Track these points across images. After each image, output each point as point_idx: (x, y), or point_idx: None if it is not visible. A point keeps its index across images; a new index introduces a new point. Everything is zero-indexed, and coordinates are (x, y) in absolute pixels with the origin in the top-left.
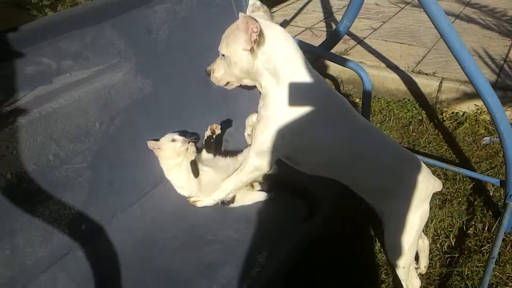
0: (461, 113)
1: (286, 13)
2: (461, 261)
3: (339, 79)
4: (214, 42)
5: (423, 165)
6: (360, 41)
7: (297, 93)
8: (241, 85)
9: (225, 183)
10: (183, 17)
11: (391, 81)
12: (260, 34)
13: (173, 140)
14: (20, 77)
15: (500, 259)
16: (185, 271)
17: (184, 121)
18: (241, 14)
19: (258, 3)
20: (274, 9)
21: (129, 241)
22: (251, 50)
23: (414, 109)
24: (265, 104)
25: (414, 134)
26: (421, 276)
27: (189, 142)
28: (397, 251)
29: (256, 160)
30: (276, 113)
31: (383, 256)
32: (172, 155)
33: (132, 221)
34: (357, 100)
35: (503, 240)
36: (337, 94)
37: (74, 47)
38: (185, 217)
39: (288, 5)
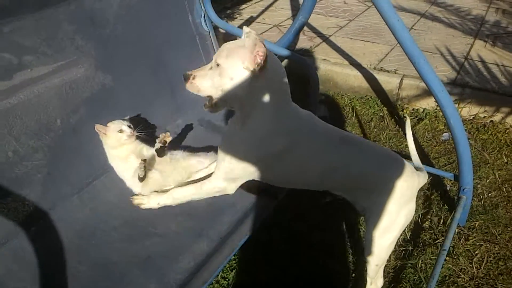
0: (421, 110)
1: (254, 10)
2: (415, 254)
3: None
4: (168, 36)
5: (407, 164)
6: (325, 39)
7: (282, 120)
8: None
9: (178, 192)
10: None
11: (354, 78)
12: (266, 60)
13: (121, 131)
14: None
15: (454, 252)
16: (122, 263)
17: (144, 114)
18: (252, 33)
19: (253, 32)
20: (243, 6)
21: (68, 232)
22: (253, 72)
23: (376, 105)
24: (243, 126)
25: (376, 130)
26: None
27: (136, 135)
28: (376, 249)
29: (223, 183)
30: (254, 137)
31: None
32: (115, 144)
33: (70, 212)
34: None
35: (458, 233)
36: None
37: (30, 41)
38: (126, 208)
39: (256, 2)
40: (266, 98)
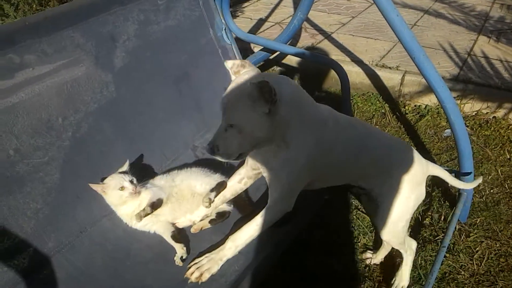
0: (423, 106)
1: (256, 8)
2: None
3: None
4: (190, 52)
5: (416, 152)
6: (327, 36)
7: (315, 127)
8: None
9: (238, 239)
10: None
11: (355, 75)
12: (275, 93)
13: (122, 188)
14: None
15: (454, 248)
16: (158, 286)
17: (157, 122)
18: (251, 83)
19: (238, 61)
20: (245, 4)
21: (100, 254)
22: (270, 112)
23: (377, 102)
24: (284, 152)
25: (377, 127)
26: (375, 266)
27: (138, 190)
28: (392, 231)
29: (283, 203)
30: (299, 153)
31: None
32: (117, 202)
33: (102, 233)
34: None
35: (458, 230)
36: (332, 111)
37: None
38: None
39: (258, 0)
40: (293, 121)
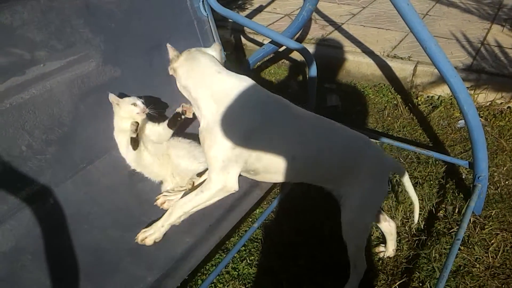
0: (436, 97)
1: (265, 0)
2: (429, 244)
3: None
4: (166, 22)
5: (377, 146)
6: (338, 27)
7: (232, 103)
8: None
9: (178, 206)
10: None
11: (367, 66)
12: (173, 60)
13: (134, 104)
14: None
15: (469, 241)
16: (113, 250)
17: (129, 93)
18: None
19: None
20: None
21: (61, 215)
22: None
23: (389, 93)
24: (202, 119)
25: (389, 118)
26: (388, 259)
27: (148, 112)
28: (353, 231)
29: (221, 176)
30: (210, 123)
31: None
32: (125, 116)
33: (64, 195)
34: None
35: (473, 222)
36: (273, 96)
37: (41, 36)
38: (122, 195)
39: None
40: (195, 88)
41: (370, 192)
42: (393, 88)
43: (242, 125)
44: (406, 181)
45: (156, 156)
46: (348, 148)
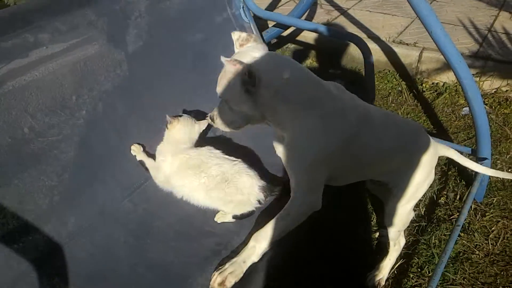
0: (441, 84)
1: None
2: (429, 230)
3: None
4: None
5: (425, 133)
6: (343, 12)
7: (319, 115)
8: None
9: (266, 235)
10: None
11: (372, 52)
12: (250, 74)
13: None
14: None
15: (469, 228)
16: (180, 263)
17: (160, 95)
18: (223, 59)
19: (244, 34)
20: None
21: (121, 233)
22: (248, 92)
23: (394, 80)
24: (287, 138)
25: (393, 105)
26: (384, 245)
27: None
28: (398, 218)
29: (310, 197)
30: (306, 144)
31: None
32: (183, 135)
33: (123, 213)
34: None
35: (474, 209)
36: (348, 94)
37: (44, 18)
38: (180, 207)
39: None
40: (280, 106)
41: (420, 180)
42: (398, 74)
43: (332, 141)
44: (460, 159)
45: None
46: (403, 137)
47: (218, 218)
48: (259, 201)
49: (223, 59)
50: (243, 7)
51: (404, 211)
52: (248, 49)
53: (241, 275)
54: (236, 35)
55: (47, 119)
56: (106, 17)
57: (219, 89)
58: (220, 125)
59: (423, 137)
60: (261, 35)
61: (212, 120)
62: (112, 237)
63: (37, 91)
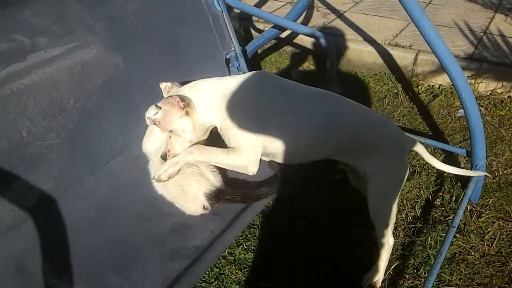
0: (437, 86)
1: None
2: (425, 231)
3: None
4: (180, 17)
5: (394, 124)
6: (340, 15)
7: (241, 103)
8: None
9: (204, 152)
10: None
11: (368, 55)
12: (183, 100)
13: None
14: None
15: (465, 229)
16: (139, 239)
17: (146, 87)
18: (161, 103)
19: (169, 83)
20: None
21: (84, 209)
22: (187, 114)
23: (390, 82)
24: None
25: (389, 107)
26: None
27: None
28: (379, 211)
29: (251, 154)
30: (236, 125)
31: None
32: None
33: (87, 191)
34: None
35: (470, 210)
36: (273, 77)
37: (41, 22)
38: (144, 188)
39: None
40: (213, 103)
41: (390, 172)
42: (394, 77)
43: (252, 113)
44: (425, 155)
45: None
46: (363, 125)
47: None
48: (204, 207)
49: (161, 103)
50: None
51: (384, 206)
52: (176, 89)
53: (175, 172)
54: (162, 85)
55: (45, 123)
56: (103, 21)
57: (166, 124)
58: (174, 158)
59: (388, 128)
60: (232, 27)
61: (164, 158)
62: (75, 213)
63: (35, 95)
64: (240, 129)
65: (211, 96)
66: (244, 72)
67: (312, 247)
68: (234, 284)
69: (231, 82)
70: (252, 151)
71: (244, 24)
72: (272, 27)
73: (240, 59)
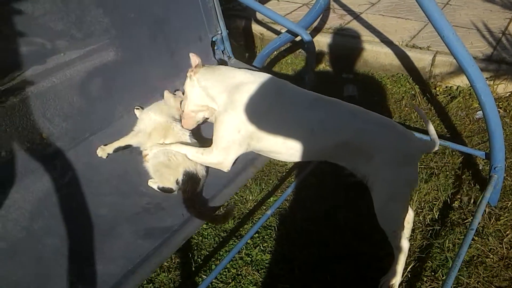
0: (455, 87)
1: None
2: (443, 234)
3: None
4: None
5: (402, 129)
6: (356, 16)
7: (238, 93)
8: None
9: (181, 147)
10: None
11: (384, 56)
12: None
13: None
14: (15, 58)
15: (484, 232)
16: (111, 216)
17: (129, 66)
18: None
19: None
20: None
21: (58, 183)
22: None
23: (407, 84)
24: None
25: (406, 109)
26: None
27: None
28: (385, 216)
29: (222, 154)
30: (226, 112)
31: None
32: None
33: (64, 163)
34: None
35: (488, 213)
36: (274, 79)
37: (61, 25)
38: (120, 165)
39: None
40: (213, 87)
41: (394, 177)
42: (411, 78)
43: (249, 110)
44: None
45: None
46: (355, 129)
47: (150, 183)
48: (177, 182)
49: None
50: None
51: (389, 211)
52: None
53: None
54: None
55: (64, 124)
56: (121, 23)
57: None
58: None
59: (390, 134)
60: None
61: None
62: (48, 187)
63: (54, 97)
64: (225, 126)
65: (226, 84)
66: (229, 56)
67: (329, 248)
68: (251, 285)
69: (247, 79)
70: (224, 152)
71: (261, 26)
72: (286, 31)
73: (226, 42)
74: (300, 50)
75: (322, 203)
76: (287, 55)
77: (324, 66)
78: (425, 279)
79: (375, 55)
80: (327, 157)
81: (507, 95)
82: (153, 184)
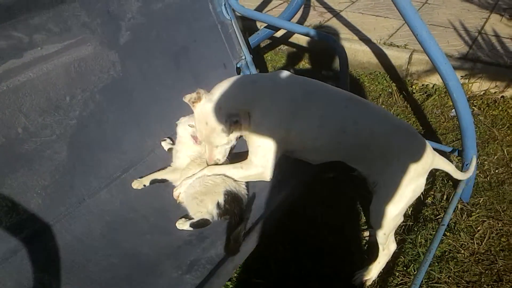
0: (431, 85)
1: None
2: (415, 229)
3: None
4: (189, 27)
5: (424, 140)
6: (336, 14)
7: (267, 105)
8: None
9: (212, 169)
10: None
11: (363, 54)
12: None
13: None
14: None
15: (455, 228)
16: (153, 254)
17: (155, 97)
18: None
19: (194, 94)
20: None
21: (98, 224)
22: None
23: (384, 81)
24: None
25: (384, 106)
26: (374, 244)
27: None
28: (382, 220)
29: (262, 161)
30: (262, 118)
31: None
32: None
33: (100, 205)
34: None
35: (461, 209)
36: (297, 79)
37: (38, 19)
38: (156, 200)
39: None
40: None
41: (403, 184)
42: (388, 76)
43: (281, 116)
44: (454, 172)
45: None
46: (386, 136)
47: (179, 224)
48: (218, 205)
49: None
50: (224, 4)
51: (388, 213)
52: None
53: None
54: (187, 98)
55: (40, 119)
56: (99, 18)
57: (212, 141)
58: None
59: (411, 139)
60: (243, 34)
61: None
62: (88, 227)
63: (31, 92)
64: (259, 136)
65: (241, 100)
66: None
67: (304, 243)
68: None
69: (264, 85)
70: (263, 160)
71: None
72: (265, 27)
73: (251, 67)
74: (280, 47)
75: (300, 200)
76: (267, 51)
77: (304, 63)
78: (397, 273)
79: (354, 53)
80: (348, 159)
81: (481, 93)
82: (183, 225)
